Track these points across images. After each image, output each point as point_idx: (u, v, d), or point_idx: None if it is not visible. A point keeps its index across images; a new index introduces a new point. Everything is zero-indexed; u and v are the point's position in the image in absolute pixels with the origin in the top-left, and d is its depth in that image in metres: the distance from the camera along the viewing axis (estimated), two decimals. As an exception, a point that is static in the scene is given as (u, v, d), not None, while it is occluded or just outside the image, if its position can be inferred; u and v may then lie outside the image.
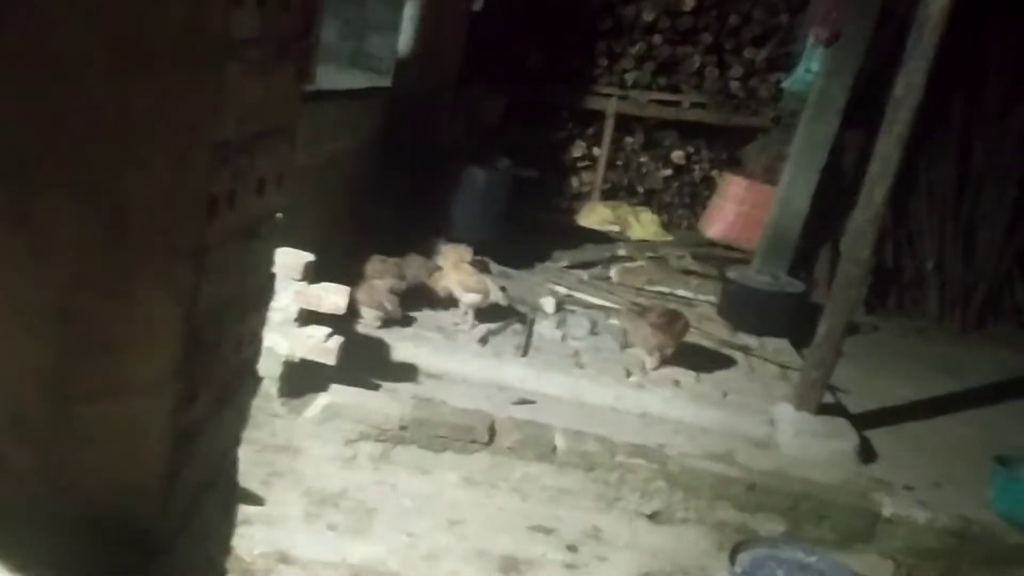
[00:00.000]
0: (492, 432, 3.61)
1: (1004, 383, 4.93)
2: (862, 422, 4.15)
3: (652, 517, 3.49)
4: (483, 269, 5.02)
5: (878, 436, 4.11)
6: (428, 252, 4.89)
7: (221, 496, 1.30)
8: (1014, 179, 6.27)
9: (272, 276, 1.32)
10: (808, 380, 4.05)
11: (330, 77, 4.58)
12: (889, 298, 6.34)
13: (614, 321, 5.00)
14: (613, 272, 5.75)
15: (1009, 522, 3.50)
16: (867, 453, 3.94)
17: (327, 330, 3.60)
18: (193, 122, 0.94)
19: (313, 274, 3.61)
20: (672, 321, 4.39)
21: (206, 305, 1.02)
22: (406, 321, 4.39)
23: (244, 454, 3.37)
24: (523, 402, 3.98)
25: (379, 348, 4.13)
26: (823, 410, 4.05)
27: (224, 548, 1.36)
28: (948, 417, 4.45)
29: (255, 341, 1.28)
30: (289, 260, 3.50)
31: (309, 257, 3.56)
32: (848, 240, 4.01)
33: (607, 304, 5.22)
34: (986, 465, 3.72)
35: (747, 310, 5.15)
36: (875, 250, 4.62)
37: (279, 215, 1.30)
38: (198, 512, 1.21)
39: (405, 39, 5.51)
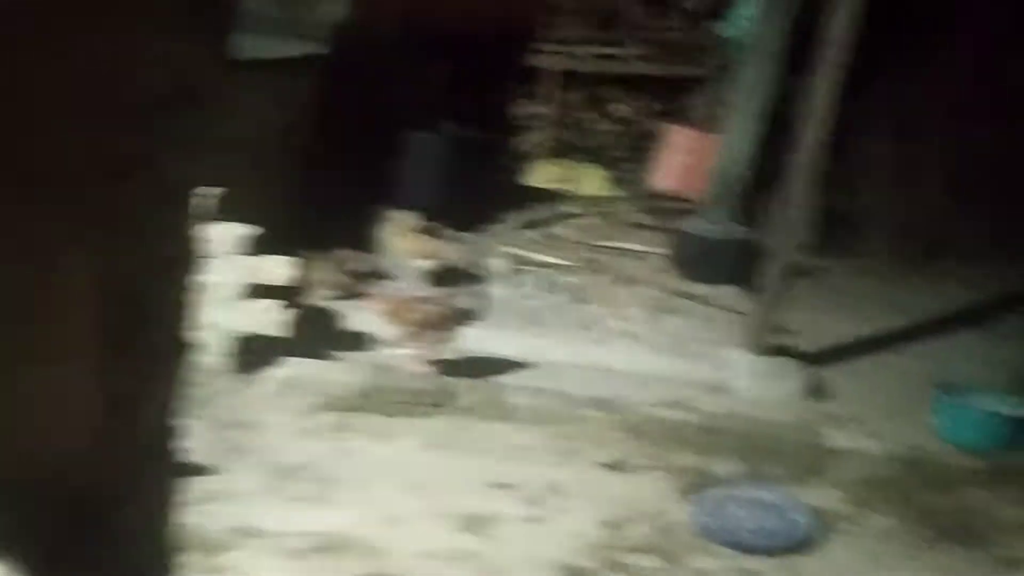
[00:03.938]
0: (450, 394, 3.64)
1: (948, 317, 5.05)
2: (813, 361, 4.24)
3: (612, 467, 3.54)
4: (434, 234, 5.01)
5: (829, 374, 4.20)
6: (376, 221, 4.87)
7: (165, 468, 1.30)
8: (954, 112, 6.37)
9: (198, 241, 1.30)
10: (758, 323, 4.13)
11: (264, 46, 4.49)
12: (836, 239, 6.44)
13: (568, 279, 5.04)
14: (565, 230, 5.77)
15: (954, 447, 3.62)
16: (818, 391, 4.04)
17: (278, 302, 3.58)
18: (100, 84, 0.93)
19: (260, 246, 3.58)
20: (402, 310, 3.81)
21: (126, 270, 1.02)
22: (361, 292, 4.38)
23: (201, 432, 3.35)
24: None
25: (333, 318, 4.12)
26: (775, 352, 4.14)
27: (172, 521, 1.36)
28: (896, 353, 4.56)
29: (184, 307, 1.27)
30: (233, 233, 3.46)
31: (254, 230, 3.52)
32: (787, 184, 4.06)
33: (560, 262, 5.25)
34: (932, 395, 3.83)
35: (698, 259, 5.22)
36: (821, 192, 4.70)
37: (216, 185, 1.28)
38: (141, 483, 1.21)
39: (341, 5, 5.41)
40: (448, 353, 3.86)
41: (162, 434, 1.27)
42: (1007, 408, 3.73)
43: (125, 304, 1.02)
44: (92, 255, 0.95)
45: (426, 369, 3.80)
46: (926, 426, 3.76)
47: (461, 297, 4.52)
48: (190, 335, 1.34)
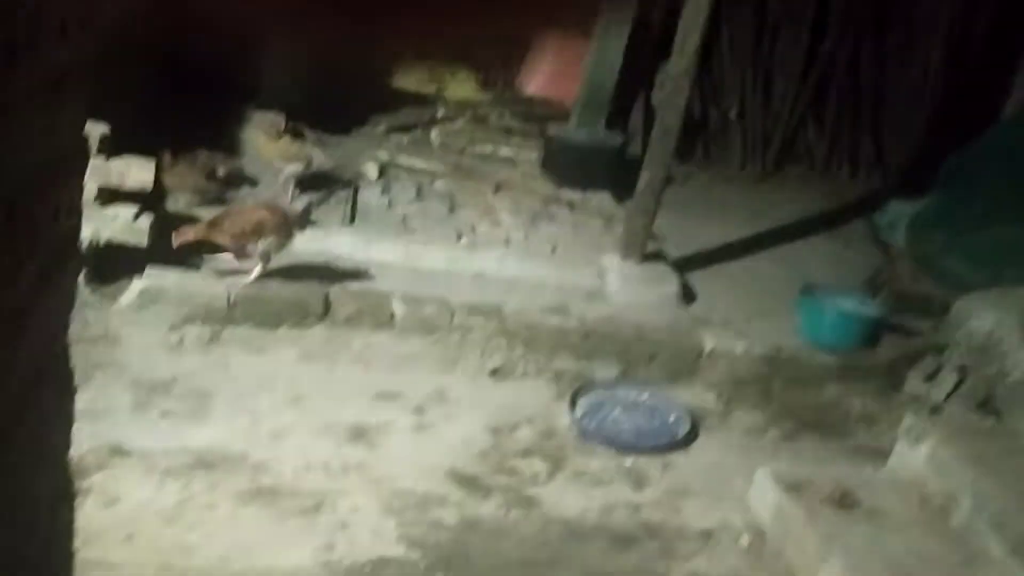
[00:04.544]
0: (327, 304, 3.52)
1: (802, 222, 5.31)
2: (682, 266, 4.36)
3: (494, 373, 3.56)
4: (299, 136, 4.76)
5: (697, 278, 4.34)
6: (240, 122, 4.57)
7: (57, 386, 1.17)
8: (806, 26, 6.58)
9: (85, 139, 1.15)
10: (632, 230, 4.19)
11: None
12: (697, 148, 6.60)
13: (439, 185, 4.93)
14: (434, 134, 5.62)
15: (813, 346, 3.85)
16: (689, 295, 4.17)
17: (135, 209, 3.32)
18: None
19: (112, 147, 3.28)
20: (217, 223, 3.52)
21: (17, 166, 0.87)
22: (223, 198, 4.12)
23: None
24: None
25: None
26: (647, 258, 4.22)
27: (65, 441, 1.24)
28: (756, 257, 4.75)
29: (74, 212, 1.12)
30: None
31: (103, 128, 3.22)
32: (664, 89, 4.08)
33: (431, 168, 5.12)
34: (792, 297, 4.04)
35: (569, 165, 5.21)
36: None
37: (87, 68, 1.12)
38: (33, 403, 1.08)
39: None
40: (286, 258, 3.62)
41: (54, 353, 1.13)
42: (860, 309, 3.99)
43: (19, 204, 0.88)
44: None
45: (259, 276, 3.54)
46: (787, 326, 3.96)
47: (323, 202, 4.32)
48: (78, 243, 1.19)
